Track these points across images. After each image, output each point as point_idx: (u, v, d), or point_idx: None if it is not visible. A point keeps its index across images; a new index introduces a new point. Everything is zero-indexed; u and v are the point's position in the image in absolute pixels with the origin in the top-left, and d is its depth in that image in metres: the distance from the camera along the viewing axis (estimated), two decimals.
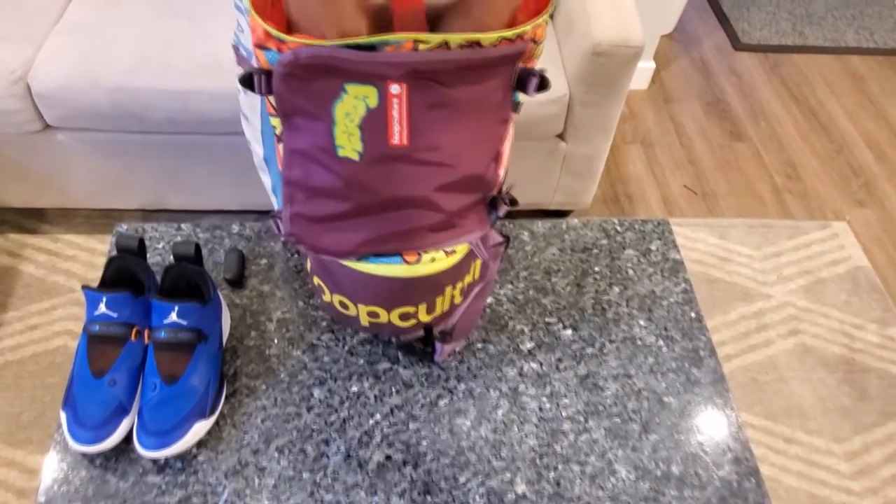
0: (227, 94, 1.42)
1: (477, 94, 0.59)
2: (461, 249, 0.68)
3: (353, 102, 0.56)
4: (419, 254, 0.66)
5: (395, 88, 0.56)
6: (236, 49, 0.69)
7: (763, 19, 2.59)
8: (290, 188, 0.63)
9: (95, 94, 1.41)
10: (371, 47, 0.54)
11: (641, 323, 0.88)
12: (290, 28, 0.62)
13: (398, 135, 0.58)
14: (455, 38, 0.55)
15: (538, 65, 0.68)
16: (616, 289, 0.91)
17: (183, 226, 0.93)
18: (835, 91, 2.33)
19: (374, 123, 0.57)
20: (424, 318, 0.74)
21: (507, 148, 0.70)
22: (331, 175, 0.61)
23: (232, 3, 1.10)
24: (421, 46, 0.55)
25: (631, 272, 0.93)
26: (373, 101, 0.56)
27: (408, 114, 0.57)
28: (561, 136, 1.59)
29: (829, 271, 1.77)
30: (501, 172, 0.71)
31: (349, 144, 0.58)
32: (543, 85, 0.61)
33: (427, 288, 0.70)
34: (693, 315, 0.89)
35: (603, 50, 1.37)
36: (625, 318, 0.88)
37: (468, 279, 0.74)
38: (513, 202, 0.71)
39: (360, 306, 0.72)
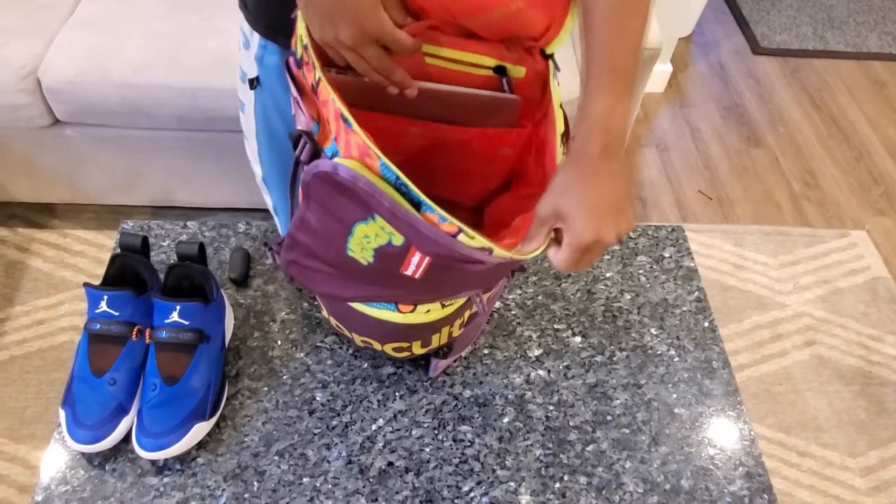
0: (237, 91, 1.42)
1: (502, 266, 0.57)
2: (459, 300, 0.67)
3: (377, 231, 0.53)
4: (415, 304, 0.65)
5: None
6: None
7: (783, 23, 2.55)
8: (292, 241, 0.59)
9: (105, 90, 1.41)
10: (416, 201, 0.51)
11: (653, 331, 0.86)
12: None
13: (412, 271, 0.55)
14: (501, 251, 0.52)
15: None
16: (627, 296, 0.89)
17: (189, 224, 0.93)
18: (856, 97, 2.29)
19: (391, 255, 0.54)
20: (419, 350, 0.73)
21: None
22: (335, 259, 0.58)
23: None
24: (463, 238, 0.51)
25: (643, 279, 0.91)
26: (398, 240, 0.53)
27: (427, 267, 0.54)
28: None
29: (847, 281, 1.74)
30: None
31: (360, 253, 0.56)
32: None
33: (421, 330, 0.69)
34: (706, 324, 0.87)
35: None
36: (636, 325, 0.86)
37: (468, 314, 0.72)
38: (522, 269, 0.69)
39: (355, 335, 0.72)
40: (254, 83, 0.80)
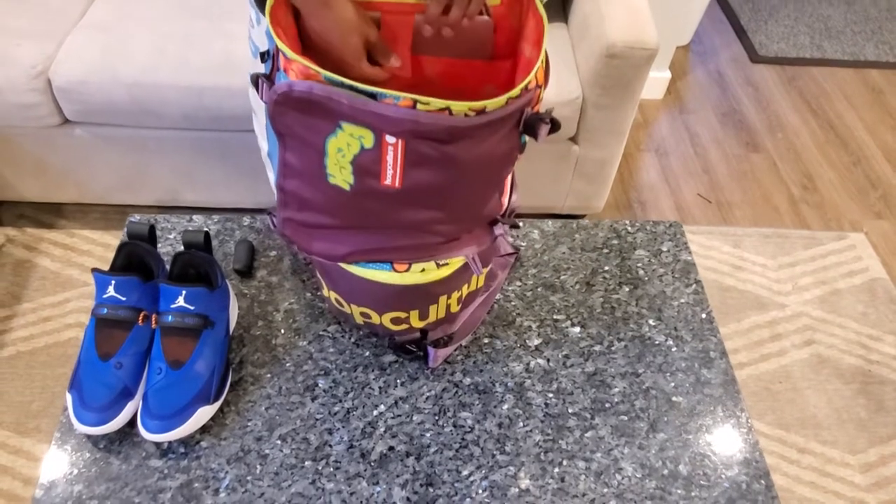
0: (243, 90, 1.44)
1: (480, 150, 0.58)
2: (455, 262, 0.68)
3: (348, 140, 0.55)
4: (409, 263, 0.66)
5: (391, 139, 0.55)
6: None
7: (781, 32, 2.58)
8: (283, 195, 0.63)
9: (114, 89, 1.43)
10: (370, 92, 0.53)
11: (651, 322, 0.87)
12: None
13: (390, 178, 0.57)
14: (459, 106, 0.53)
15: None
16: (626, 288, 0.90)
17: (195, 217, 0.94)
18: (853, 104, 2.31)
19: (368, 163, 0.56)
20: (417, 323, 0.74)
21: (510, 178, 0.69)
22: (321, 196, 0.61)
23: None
24: (420, 107, 0.53)
25: (641, 272, 0.92)
26: (368, 142, 0.55)
27: (402, 162, 0.56)
28: (573, 140, 1.58)
29: (845, 282, 1.75)
30: (505, 200, 0.70)
31: (340, 175, 0.58)
32: (554, 128, 0.59)
33: (418, 296, 0.70)
34: (704, 316, 0.88)
35: (617, 52, 1.37)
36: (634, 317, 0.87)
37: (466, 289, 0.73)
38: (514, 227, 0.70)
39: (353, 306, 0.73)
40: (265, 56, 0.82)
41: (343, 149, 0.56)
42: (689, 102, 2.27)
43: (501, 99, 0.55)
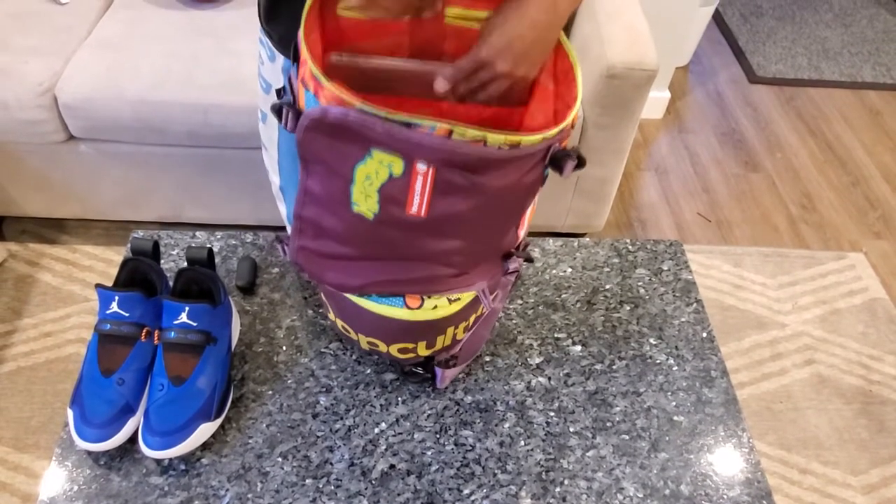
0: (247, 108, 1.46)
1: (507, 181, 0.58)
2: (466, 297, 0.68)
3: (377, 167, 0.55)
4: (422, 298, 0.66)
5: (421, 167, 0.54)
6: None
7: (779, 54, 2.61)
8: (300, 223, 0.62)
9: (119, 106, 1.45)
10: (405, 122, 0.53)
11: (652, 341, 0.87)
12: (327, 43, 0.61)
13: (417, 206, 0.56)
14: (496, 137, 0.53)
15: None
16: (627, 307, 0.91)
17: (198, 233, 0.95)
18: (852, 125, 2.33)
19: (395, 191, 0.56)
20: (423, 352, 0.74)
21: (528, 212, 0.69)
22: (342, 224, 0.60)
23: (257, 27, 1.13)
24: (456, 136, 0.53)
25: (642, 291, 0.93)
26: (398, 169, 0.54)
27: (431, 191, 0.56)
28: None
29: (845, 302, 1.75)
30: (522, 233, 0.70)
31: (365, 204, 0.57)
32: (580, 165, 0.59)
33: (427, 329, 0.70)
34: (705, 335, 0.88)
35: (617, 72, 1.39)
36: (635, 335, 0.88)
37: (473, 318, 0.73)
38: (528, 259, 0.70)
39: (361, 335, 0.73)
40: (280, 93, 0.83)
41: (371, 176, 0.55)
42: (688, 122, 2.29)
43: (537, 137, 0.55)
